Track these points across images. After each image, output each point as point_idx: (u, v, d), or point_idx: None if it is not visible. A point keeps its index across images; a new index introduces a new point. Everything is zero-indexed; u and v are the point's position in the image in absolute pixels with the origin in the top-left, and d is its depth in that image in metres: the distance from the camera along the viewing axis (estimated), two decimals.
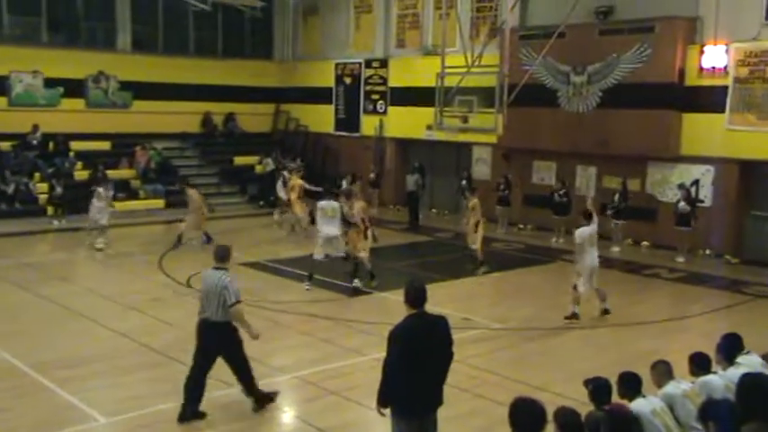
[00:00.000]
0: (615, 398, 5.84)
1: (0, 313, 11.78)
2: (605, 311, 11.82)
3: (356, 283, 13.50)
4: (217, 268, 7.71)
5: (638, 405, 5.63)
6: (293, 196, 18.44)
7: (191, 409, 7.78)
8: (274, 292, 13.29)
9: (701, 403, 5.47)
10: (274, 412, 8.43)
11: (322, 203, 13.50)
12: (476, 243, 15.23)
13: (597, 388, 5.79)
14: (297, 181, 18.70)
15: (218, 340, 7.78)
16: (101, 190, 17.58)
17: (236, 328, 7.81)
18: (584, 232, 11.53)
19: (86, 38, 24.12)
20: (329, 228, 13.27)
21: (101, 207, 17.27)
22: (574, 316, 11.58)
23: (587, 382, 5.90)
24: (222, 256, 7.78)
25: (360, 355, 9.93)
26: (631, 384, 5.81)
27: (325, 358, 9.86)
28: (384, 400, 5.88)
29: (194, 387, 7.80)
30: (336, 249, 13.36)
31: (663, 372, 6.14)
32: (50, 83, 22.74)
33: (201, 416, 7.84)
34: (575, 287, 11.65)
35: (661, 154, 17.64)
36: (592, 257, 11.55)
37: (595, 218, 11.87)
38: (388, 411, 5.92)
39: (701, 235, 17.05)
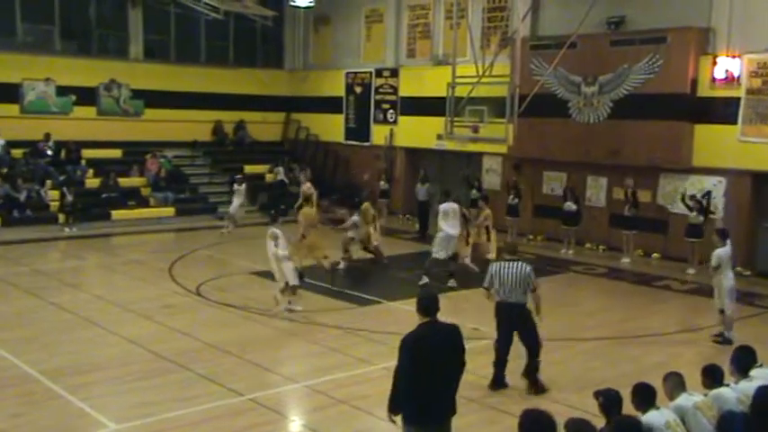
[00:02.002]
0: (626, 409, 5.80)
1: (11, 320, 11.82)
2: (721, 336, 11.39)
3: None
4: (512, 260, 9.07)
5: (652, 417, 5.58)
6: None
7: (502, 378, 9.09)
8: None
9: (720, 415, 5.43)
10: (283, 422, 8.44)
11: (443, 206, 14.56)
12: (491, 252, 15.26)
13: (608, 400, 5.75)
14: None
15: (516, 319, 8.96)
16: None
17: (530, 311, 9.01)
18: (723, 253, 11.29)
19: (99, 46, 24.31)
20: (449, 229, 14.29)
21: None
22: (726, 341, 11.15)
23: (598, 394, 5.87)
24: (514, 251, 9.43)
25: (369, 364, 9.91)
26: (646, 396, 5.77)
27: (334, 367, 9.84)
28: (395, 407, 5.87)
29: (504, 360, 9.04)
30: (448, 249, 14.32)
31: (675, 384, 6.10)
32: (63, 91, 22.90)
33: (507, 385, 9.06)
34: (721, 311, 11.40)
35: (673, 165, 17.57)
36: (729, 278, 11.32)
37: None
38: (398, 419, 5.90)
39: (713, 247, 16.92)
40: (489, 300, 9.31)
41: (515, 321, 9.00)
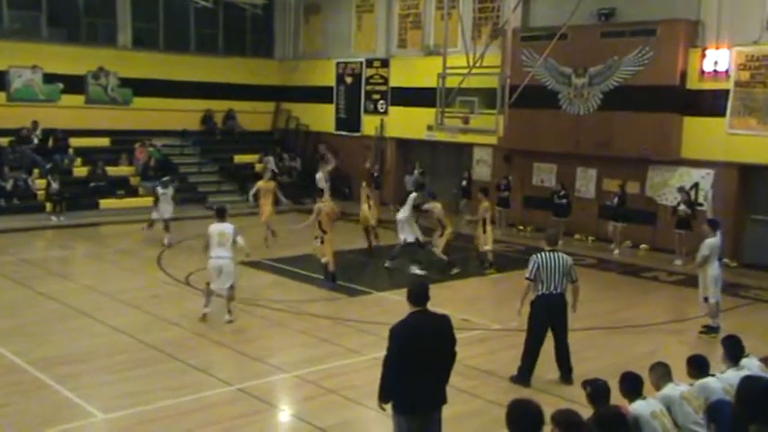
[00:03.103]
0: (615, 399, 5.83)
1: None
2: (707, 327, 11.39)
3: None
4: (554, 251, 8.98)
5: (639, 406, 5.63)
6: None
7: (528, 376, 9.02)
8: (274, 291, 13.29)
9: (709, 404, 5.47)
10: (272, 411, 8.44)
11: (413, 195, 15.46)
12: (488, 244, 15.29)
13: (596, 390, 5.80)
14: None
15: (556, 310, 8.96)
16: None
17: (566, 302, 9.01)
18: (713, 244, 11.27)
19: (87, 34, 24.08)
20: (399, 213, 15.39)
21: None
22: (712, 330, 11.16)
23: (586, 384, 5.91)
24: (555, 241, 9.29)
25: (359, 354, 9.93)
26: (633, 385, 5.82)
27: (324, 357, 9.85)
28: (385, 395, 5.88)
29: (535, 358, 9.02)
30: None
31: (661, 374, 6.15)
32: (50, 78, 22.71)
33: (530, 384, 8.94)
34: (705, 299, 11.40)
35: (662, 157, 17.64)
36: (715, 267, 11.30)
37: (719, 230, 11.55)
38: (389, 408, 5.92)
39: (700, 238, 17.02)
40: (527, 294, 9.09)
41: (555, 313, 8.98)
